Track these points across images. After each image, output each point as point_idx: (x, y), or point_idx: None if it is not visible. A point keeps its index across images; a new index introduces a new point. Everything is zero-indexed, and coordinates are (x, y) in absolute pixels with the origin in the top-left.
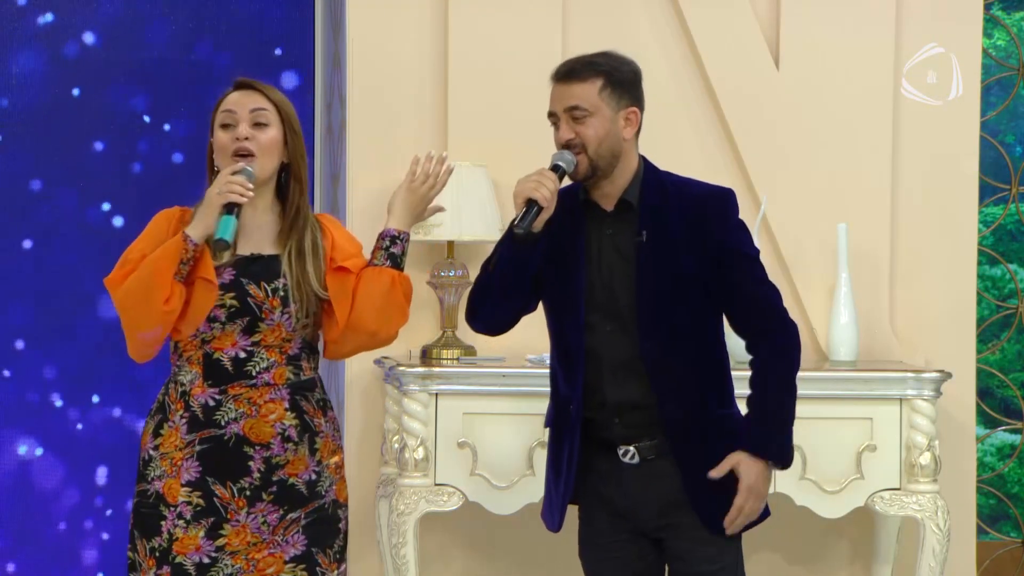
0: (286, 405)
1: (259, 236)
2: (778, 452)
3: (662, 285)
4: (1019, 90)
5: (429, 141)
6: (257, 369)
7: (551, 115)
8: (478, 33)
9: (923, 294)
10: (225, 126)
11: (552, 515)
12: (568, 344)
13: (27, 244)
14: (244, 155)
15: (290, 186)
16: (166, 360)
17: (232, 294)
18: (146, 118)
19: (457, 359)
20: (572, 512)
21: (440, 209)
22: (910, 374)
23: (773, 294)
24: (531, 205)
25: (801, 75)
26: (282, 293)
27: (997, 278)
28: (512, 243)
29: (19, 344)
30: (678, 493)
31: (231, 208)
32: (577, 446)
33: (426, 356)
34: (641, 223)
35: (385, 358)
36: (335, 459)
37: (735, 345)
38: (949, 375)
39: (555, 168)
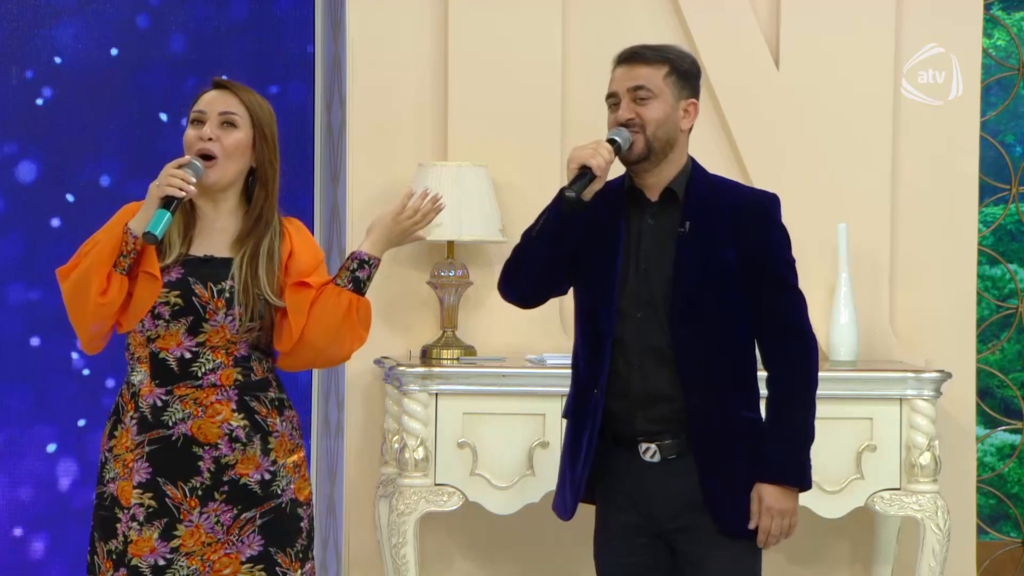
0: (233, 406)
1: (217, 238)
2: (795, 475)
3: (700, 277)
4: (1019, 90)
5: (429, 141)
6: (203, 370)
7: (611, 96)
8: (478, 33)
9: (923, 294)
10: (194, 123)
11: (565, 502)
12: (599, 329)
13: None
14: (206, 156)
15: (256, 192)
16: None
17: (177, 292)
18: (162, 116)
19: (457, 359)
20: (580, 511)
21: (420, 238)
22: (910, 374)
23: (799, 301)
24: (585, 171)
25: (801, 75)
26: (227, 295)
27: (997, 278)
28: (558, 209)
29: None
30: (696, 494)
31: (169, 202)
32: (598, 429)
33: (426, 356)
34: (685, 214)
35: (385, 358)
36: (293, 458)
37: None
38: (949, 375)
39: (611, 141)
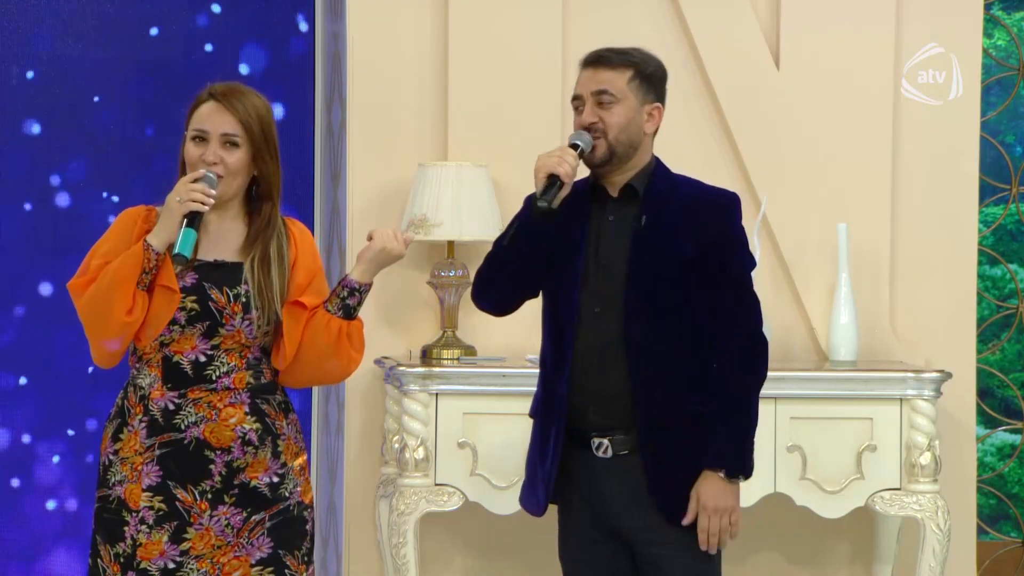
0: (246, 409)
1: (224, 243)
2: (736, 462)
3: (655, 270)
4: (1019, 90)
5: (429, 141)
6: (217, 373)
7: (576, 99)
8: (478, 33)
9: (923, 294)
10: (196, 139)
11: (537, 498)
12: (561, 325)
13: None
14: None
15: (261, 200)
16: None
17: (193, 297)
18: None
19: (457, 359)
20: None
21: (403, 253)
22: (910, 374)
23: (751, 300)
24: (553, 180)
25: (801, 75)
26: (244, 299)
27: (997, 278)
28: (530, 219)
29: None
30: (645, 493)
31: (192, 219)
32: (564, 427)
33: (426, 356)
34: (643, 209)
35: (385, 358)
36: (299, 461)
37: None
38: (949, 375)
39: (574, 146)
